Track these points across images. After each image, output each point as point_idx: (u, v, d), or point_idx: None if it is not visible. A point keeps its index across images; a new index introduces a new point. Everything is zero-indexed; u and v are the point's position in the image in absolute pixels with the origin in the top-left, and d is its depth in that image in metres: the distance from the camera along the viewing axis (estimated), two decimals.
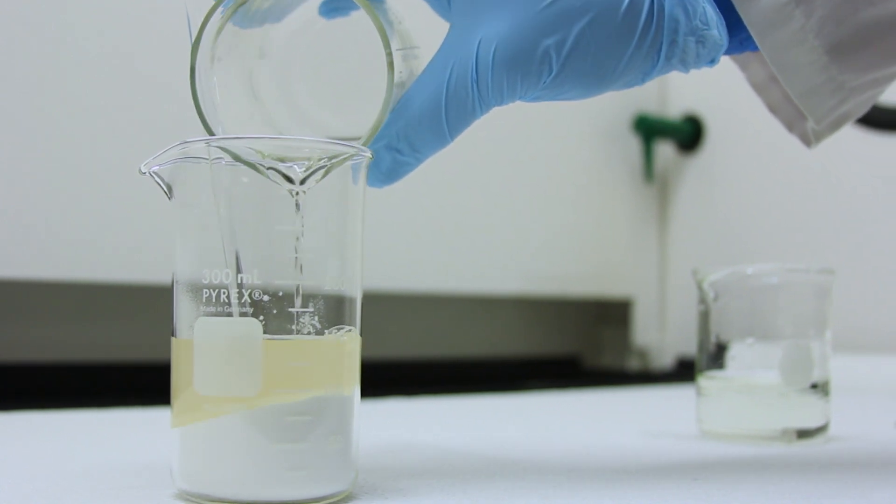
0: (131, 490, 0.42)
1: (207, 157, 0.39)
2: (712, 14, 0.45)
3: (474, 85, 0.42)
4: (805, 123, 0.51)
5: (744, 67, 0.54)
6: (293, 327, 0.38)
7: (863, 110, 0.49)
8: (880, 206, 1.17)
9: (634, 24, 0.43)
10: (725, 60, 0.50)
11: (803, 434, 0.61)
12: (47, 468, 0.48)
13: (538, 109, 1.25)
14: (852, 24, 0.44)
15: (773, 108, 0.54)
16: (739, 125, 1.32)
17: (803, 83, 0.46)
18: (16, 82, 0.85)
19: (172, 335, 0.40)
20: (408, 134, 0.43)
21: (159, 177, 0.40)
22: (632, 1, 0.43)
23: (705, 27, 0.44)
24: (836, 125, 0.49)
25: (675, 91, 1.38)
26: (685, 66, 0.45)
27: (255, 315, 0.38)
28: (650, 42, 0.43)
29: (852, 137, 1.01)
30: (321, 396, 0.39)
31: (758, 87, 0.54)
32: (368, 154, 0.41)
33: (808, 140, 0.52)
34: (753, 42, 0.46)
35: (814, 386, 0.61)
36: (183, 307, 0.39)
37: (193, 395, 0.38)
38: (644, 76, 0.45)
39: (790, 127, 0.53)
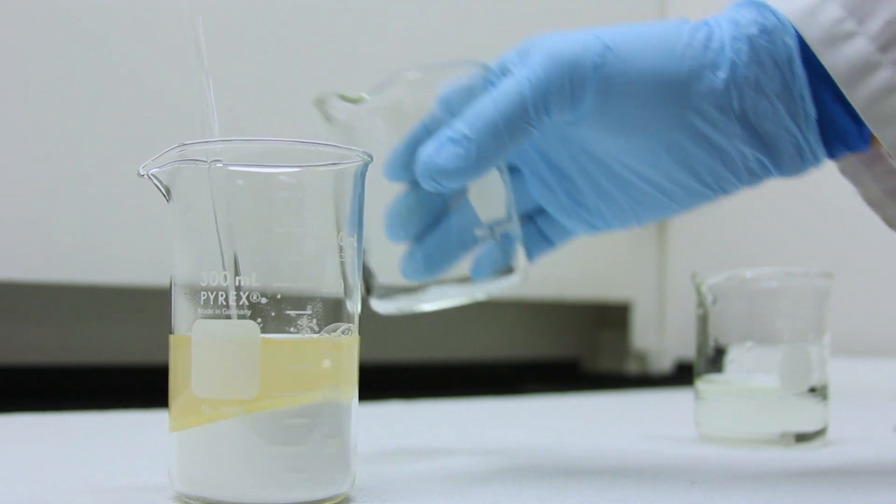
0: (129, 492, 0.42)
1: (206, 159, 0.39)
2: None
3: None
4: None
5: (857, 184, 0.52)
6: (291, 330, 0.38)
7: None
8: None
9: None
10: None
11: (801, 438, 0.61)
12: (46, 470, 0.48)
13: None
14: None
15: (891, 223, 0.52)
16: None
17: None
18: (16, 83, 0.85)
19: (171, 335, 0.40)
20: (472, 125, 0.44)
21: (158, 179, 0.40)
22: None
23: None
24: None
25: None
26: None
27: (253, 317, 0.38)
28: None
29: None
30: (319, 399, 0.39)
31: (873, 204, 0.52)
32: (368, 157, 0.41)
33: None
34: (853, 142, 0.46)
35: (812, 389, 0.61)
36: (181, 309, 0.39)
37: (191, 397, 0.38)
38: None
39: None
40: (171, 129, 0.90)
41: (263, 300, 0.38)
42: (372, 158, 0.41)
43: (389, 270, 0.49)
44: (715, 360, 0.63)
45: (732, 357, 0.63)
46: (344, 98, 0.47)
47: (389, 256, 0.47)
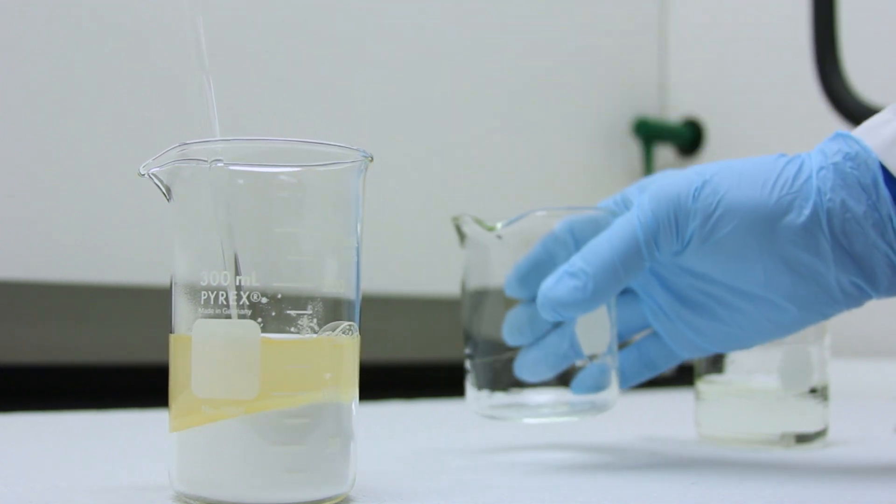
0: (129, 492, 0.42)
1: (206, 159, 0.39)
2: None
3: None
4: None
5: None
6: (292, 329, 0.38)
7: None
8: None
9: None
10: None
11: (802, 438, 0.61)
12: (46, 470, 0.48)
13: (540, 113, 1.25)
14: None
15: None
16: (739, 129, 1.32)
17: None
18: (16, 83, 0.85)
19: (171, 334, 0.40)
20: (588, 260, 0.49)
21: (158, 178, 0.40)
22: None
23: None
24: None
25: (675, 95, 1.39)
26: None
27: (253, 317, 0.38)
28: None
29: None
30: (319, 399, 0.39)
31: None
32: (368, 157, 0.41)
33: None
34: None
35: (813, 390, 0.61)
36: (181, 309, 0.39)
37: (191, 397, 0.38)
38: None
39: None
40: (171, 128, 0.90)
41: (264, 300, 0.38)
42: (373, 158, 0.41)
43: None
44: (715, 360, 0.63)
45: (733, 358, 0.63)
46: (478, 222, 0.53)
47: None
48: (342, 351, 0.40)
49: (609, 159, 1.32)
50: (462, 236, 0.54)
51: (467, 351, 0.55)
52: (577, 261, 0.49)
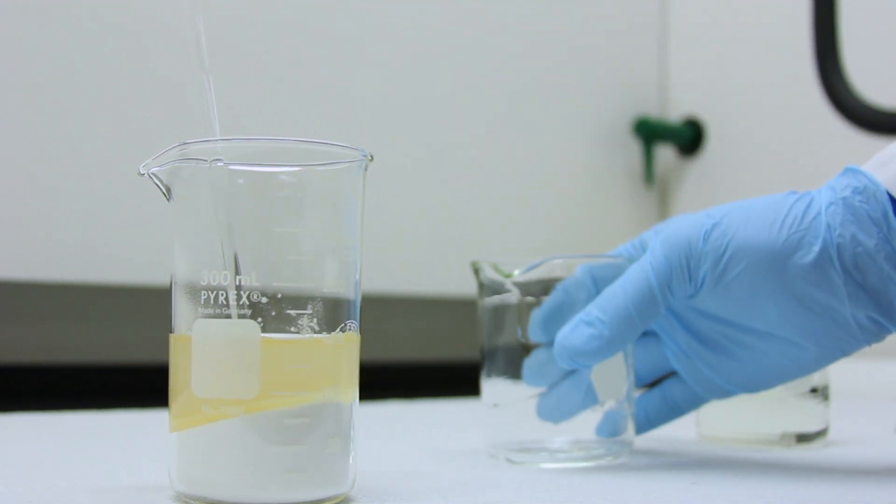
0: (129, 492, 0.42)
1: (206, 158, 0.39)
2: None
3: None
4: None
5: None
6: (292, 329, 0.38)
7: None
8: None
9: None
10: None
11: (802, 438, 0.61)
12: (46, 470, 0.48)
13: (539, 113, 1.25)
14: None
15: None
16: (740, 129, 1.32)
17: None
18: (16, 83, 0.85)
19: (171, 334, 0.40)
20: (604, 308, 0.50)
21: (158, 178, 0.40)
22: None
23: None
24: None
25: (676, 95, 1.39)
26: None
27: (253, 317, 0.38)
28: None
29: (851, 141, 1.01)
30: (320, 399, 0.39)
31: None
32: (368, 156, 0.41)
33: None
34: None
35: (813, 390, 0.61)
36: (181, 309, 0.39)
37: (191, 397, 0.38)
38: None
39: None
40: (171, 128, 0.90)
41: (264, 299, 0.38)
42: (373, 158, 0.41)
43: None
44: None
45: None
46: (496, 269, 0.54)
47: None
48: (342, 350, 0.40)
49: (609, 159, 1.32)
50: (480, 280, 0.55)
51: (486, 397, 0.55)
52: (593, 309, 0.50)
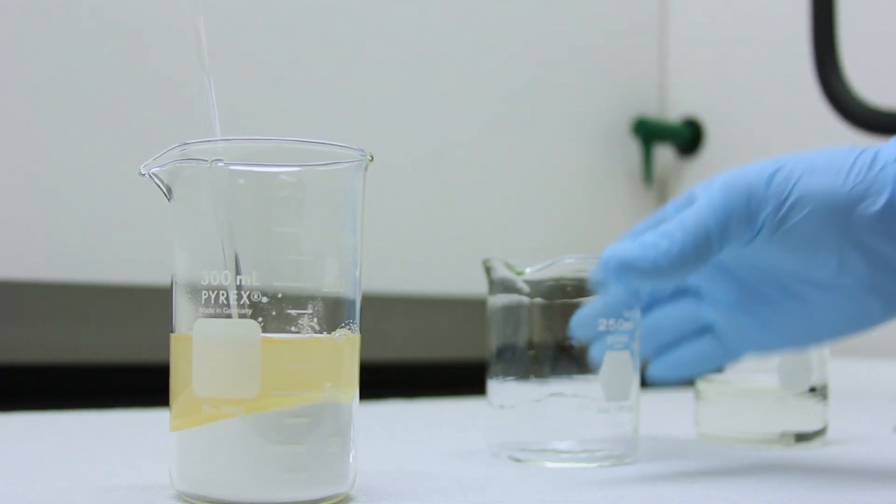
0: (130, 492, 0.42)
1: (207, 158, 0.39)
2: None
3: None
4: None
5: None
6: (292, 329, 0.38)
7: None
8: None
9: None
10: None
11: (801, 437, 0.61)
12: (46, 470, 0.48)
13: (539, 113, 1.25)
14: None
15: None
16: (739, 129, 1.32)
17: None
18: (16, 83, 0.85)
19: (171, 334, 0.40)
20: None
21: (158, 178, 0.40)
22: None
23: None
24: None
25: (675, 94, 1.39)
26: None
27: (254, 317, 0.38)
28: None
29: (850, 141, 1.01)
30: (320, 398, 0.39)
31: None
32: (368, 156, 0.41)
33: None
34: None
35: (812, 389, 0.61)
36: (182, 308, 0.39)
37: (192, 396, 0.38)
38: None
39: None
40: (171, 128, 0.90)
41: (264, 299, 0.38)
42: (373, 158, 0.41)
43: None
44: None
45: None
46: (509, 267, 0.53)
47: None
48: (342, 350, 0.40)
49: (609, 159, 1.32)
50: (491, 276, 0.55)
51: (493, 398, 0.55)
52: (649, 236, 0.48)
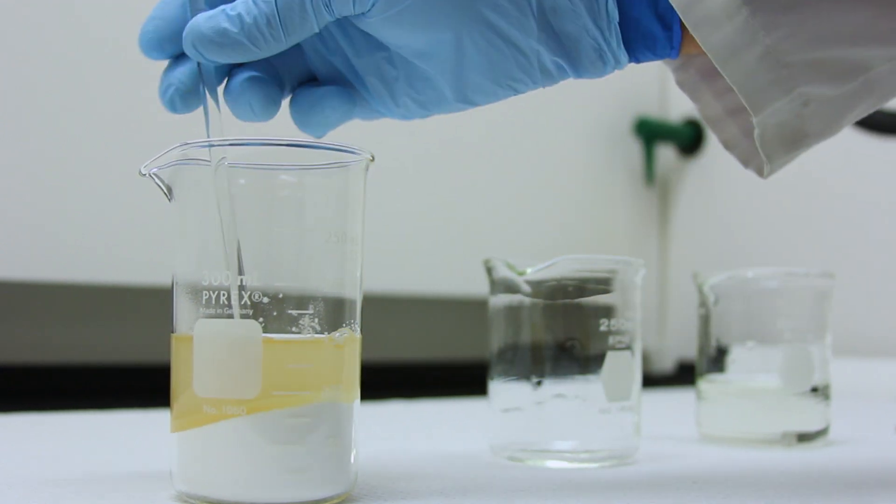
0: (130, 492, 0.42)
1: (209, 159, 0.39)
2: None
3: None
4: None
5: (696, 99, 0.51)
6: (293, 329, 0.38)
7: (824, 128, 0.44)
8: (880, 210, 1.17)
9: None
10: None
11: (803, 438, 0.61)
12: (46, 470, 0.48)
13: (539, 113, 1.25)
14: None
15: (728, 145, 0.51)
16: None
17: (722, 41, 0.41)
18: (16, 83, 0.85)
19: (172, 334, 0.40)
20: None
21: (159, 178, 0.40)
22: None
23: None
24: (788, 140, 0.44)
25: (676, 95, 1.38)
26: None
27: (254, 317, 0.38)
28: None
29: (851, 141, 1.01)
30: (320, 399, 0.39)
31: (712, 122, 0.51)
32: (369, 157, 0.41)
33: (762, 169, 0.47)
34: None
35: (814, 389, 0.61)
36: (183, 309, 0.39)
37: (193, 397, 0.38)
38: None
39: (745, 162, 0.50)
40: (172, 128, 0.90)
41: (265, 299, 0.38)
42: (373, 158, 0.41)
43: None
44: (717, 359, 0.63)
45: (734, 357, 0.63)
46: (510, 267, 0.54)
47: None
48: (343, 350, 0.40)
49: (610, 159, 1.32)
50: (491, 275, 0.55)
51: (494, 399, 0.55)
52: (241, 5, 0.42)
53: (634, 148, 1.35)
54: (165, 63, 0.48)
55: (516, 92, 0.46)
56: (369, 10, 0.43)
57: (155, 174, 0.40)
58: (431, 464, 0.52)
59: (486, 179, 1.18)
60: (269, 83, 0.45)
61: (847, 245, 1.18)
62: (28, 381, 0.88)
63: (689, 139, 1.36)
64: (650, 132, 1.34)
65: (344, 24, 0.46)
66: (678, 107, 1.38)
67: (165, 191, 0.40)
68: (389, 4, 0.42)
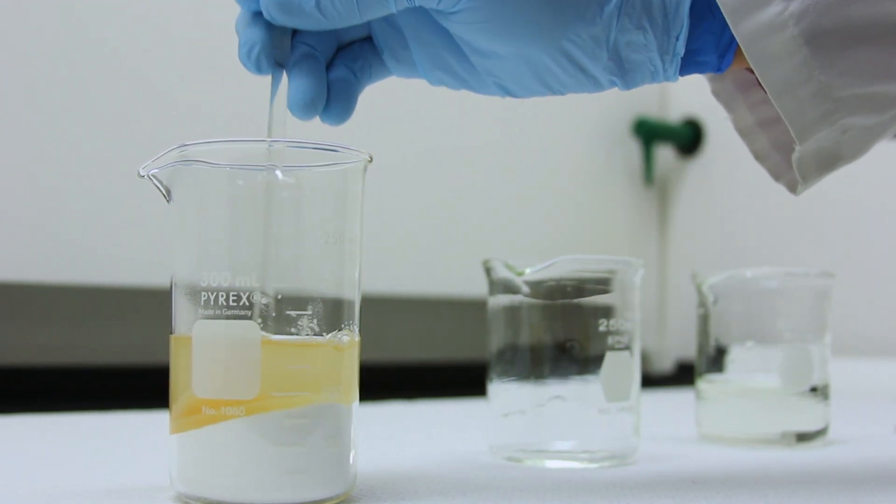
0: (130, 493, 0.42)
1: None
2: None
3: None
4: (792, 172, 0.48)
5: (730, 110, 0.52)
6: (292, 330, 0.38)
7: (856, 151, 0.46)
8: (880, 210, 1.17)
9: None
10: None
11: (803, 437, 0.61)
12: (46, 470, 0.48)
13: (539, 113, 1.25)
14: (838, 17, 0.41)
15: (759, 156, 0.51)
16: None
17: (780, 76, 0.42)
18: (16, 84, 0.85)
19: (171, 335, 0.40)
20: None
21: (158, 180, 0.40)
22: None
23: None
24: (824, 163, 0.45)
25: (675, 95, 1.39)
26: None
27: (253, 318, 0.38)
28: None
29: None
30: (320, 400, 0.39)
31: (744, 133, 0.52)
32: (367, 157, 0.41)
33: (794, 186, 0.48)
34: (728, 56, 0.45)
35: (813, 389, 0.61)
36: (182, 310, 0.39)
37: (192, 398, 0.38)
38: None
39: (777, 176, 0.51)
40: (172, 129, 0.90)
41: (264, 300, 0.38)
42: (372, 159, 0.41)
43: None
44: (716, 359, 0.63)
45: (733, 357, 0.63)
46: (509, 267, 0.54)
47: None
48: (342, 351, 0.40)
49: (609, 159, 1.32)
50: (491, 276, 0.55)
51: (494, 400, 0.55)
52: None
53: (634, 148, 1.35)
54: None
55: (557, 94, 0.47)
56: (453, 13, 0.43)
57: (154, 175, 0.40)
58: (431, 464, 0.52)
59: (485, 180, 1.18)
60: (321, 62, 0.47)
61: (847, 245, 1.18)
62: (27, 383, 0.88)
63: (689, 139, 1.36)
64: (649, 132, 1.34)
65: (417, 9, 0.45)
66: (677, 107, 1.38)
67: (164, 192, 0.40)
68: (475, 17, 0.43)
